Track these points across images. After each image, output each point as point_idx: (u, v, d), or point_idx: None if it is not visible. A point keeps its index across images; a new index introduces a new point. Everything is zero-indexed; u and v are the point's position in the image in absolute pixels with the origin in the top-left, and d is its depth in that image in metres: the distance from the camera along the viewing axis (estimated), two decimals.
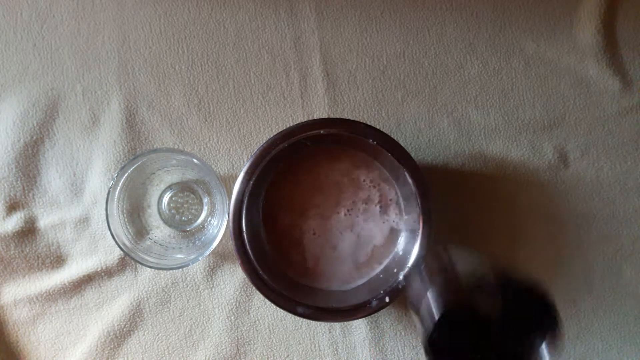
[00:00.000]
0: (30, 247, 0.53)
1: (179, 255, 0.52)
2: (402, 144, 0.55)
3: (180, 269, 0.52)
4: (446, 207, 0.53)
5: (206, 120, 0.55)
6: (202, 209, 0.54)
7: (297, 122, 0.48)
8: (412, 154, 0.55)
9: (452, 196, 0.55)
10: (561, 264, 0.55)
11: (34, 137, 0.53)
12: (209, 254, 0.50)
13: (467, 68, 0.56)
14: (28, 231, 0.53)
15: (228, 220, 0.47)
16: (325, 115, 0.55)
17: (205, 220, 0.54)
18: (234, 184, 0.54)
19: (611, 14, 0.57)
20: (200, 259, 0.49)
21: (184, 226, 0.54)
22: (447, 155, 0.56)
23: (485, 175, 0.56)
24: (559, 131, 0.56)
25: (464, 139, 0.56)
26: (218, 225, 0.50)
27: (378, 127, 0.55)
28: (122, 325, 0.52)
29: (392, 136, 0.55)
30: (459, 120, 0.56)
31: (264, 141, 0.48)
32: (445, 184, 0.55)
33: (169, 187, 0.54)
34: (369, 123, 0.55)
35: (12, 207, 0.53)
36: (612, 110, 0.57)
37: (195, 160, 0.49)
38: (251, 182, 0.48)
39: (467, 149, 0.56)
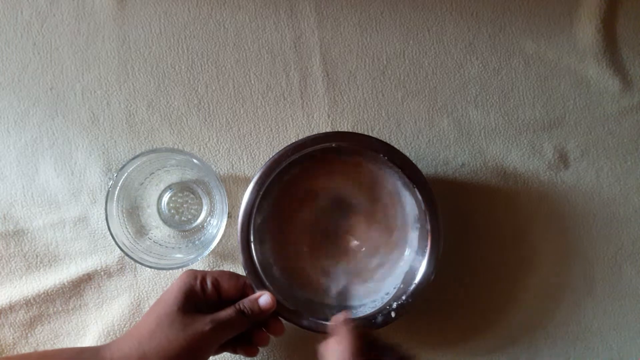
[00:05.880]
0: (29, 246, 0.53)
1: (179, 255, 0.51)
2: (402, 143, 0.55)
3: (180, 269, 0.52)
4: (446, 207, 0.53)
5: (206, 120, 0.55)
6: (201, 209, 0.54)
7: (308, 135, 0.48)
8: (412, 154, 0.55)
9: (451, 196, 0.55)
10: (561, 264, 0.55)
11: (34, 136, 0.53)
12: (209, 254, 0.50)
13: (467, 68, 0.56)
14: (27, 230, 0.53)
15: (237, 231, 0.47)
16: (325, 116, 0.55)
17: (204, 220, 0.54)
18: (236, 186, 0.54)
19: (611, 14, 0.57)
20: (199, 258, 0.48)
21: (183, 226, 0.54)
22: (447, 155, 0.56)
23: (486, 175, 0.56)
24: (559, 131, 0.56)
25: (464, 139, 0.56)
26: (217, 225, 0.50)
27: (378, 127, 0.56)
28: (122, 325, 0.52)
29: (392, 136, 0.56)
30: (459, 120, 0.56)
31: (275, 152, 0.48)
32: (445, 184, 0.55)
33: (169, 187, 0.54)
34: (369, 123, 0.55)
35: (11, 206, 0.53)
36: (612, 110, 0.57)
37: (194, 160, 0.49)
38: (261, 193, 0.47)
39: (467, 149, 0.56)
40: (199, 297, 0.44)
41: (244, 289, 0.47)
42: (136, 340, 0.42)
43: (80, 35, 0.54)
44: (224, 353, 0.49)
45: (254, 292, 0.47)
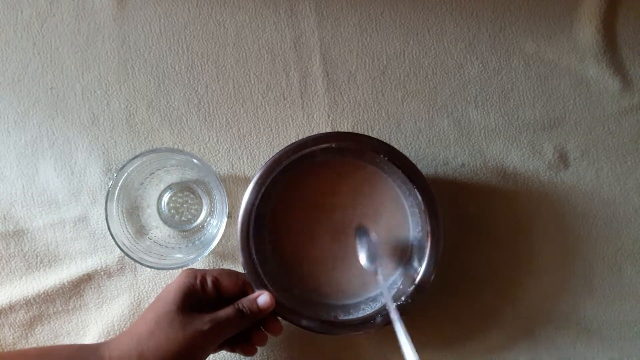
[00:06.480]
0: (29, 246, 0.53)
1: (179, 255, 0.51)
2: (402, 143, 0.56)
3: (180, 269, 0.52)
4: (446, 207, 0.53)
5: (206, 120, 0.55)
6: (201, 209, 0.54)
7: (309, 135, 0.48)
8: (412, 154, 0.55)
9: (451, 196, 0.55)
10: (561, 264, 0.55)
11: (34, 136, 0.53)
12: (209, 254, 0.50)
13: (467, 68, 0.56)
14: (27, 230, 0.53)
15: (237, 231, 0.47)
16: (325, 116, 0.55)
17: (204, 220, 0.54)
18: (236, 186, 0.54)
19: (611, 14, 0.57)
20: (199, 259, 0.48)
21: (183, 226, 0.54)
22: (447, 155, 0.56)
23: (486, 175, 0.56)
24: (559, 131, 0.56)
25: (464, 139, 0.56)
26: (217, 225, 0.50)
27: (378, 127, 0.56)
28: (123, 325, 0.52)
29: (392, 136, 0.56)
30: (459, 120, 0.56)
31: (275, 152, 0.48)
32: (445, 184, 0.55)
33: (169, 187, 0.54)
34: (369, 123, 0.56)
35: (11, 206, 0.53)
36: (612, 110, 0.57)
37: (194, 160, 0.49)
38: (261, 193, 0.47)
39: (467, 149, 0.56)
40: (199, 296, 0.44)
41: (244, 286, 0.47)
42: (135, 339, 0.42)
43: (80, 35, 0.54)
44: (222, 352, 0.49)
45: (253, 291, 0.47)
